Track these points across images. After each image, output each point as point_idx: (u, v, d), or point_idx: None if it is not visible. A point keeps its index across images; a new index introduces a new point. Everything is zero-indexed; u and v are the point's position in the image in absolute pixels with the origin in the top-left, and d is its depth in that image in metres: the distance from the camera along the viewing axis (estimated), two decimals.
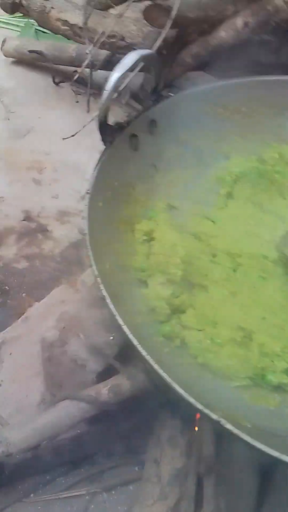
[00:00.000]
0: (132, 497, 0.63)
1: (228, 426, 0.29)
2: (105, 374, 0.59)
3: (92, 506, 0.63)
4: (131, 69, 0.51)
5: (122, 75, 0.48)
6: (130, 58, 0.50)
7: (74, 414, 0.54)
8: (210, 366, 0.45)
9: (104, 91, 0.49)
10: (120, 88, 0.59)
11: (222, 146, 0.65)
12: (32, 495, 0.64)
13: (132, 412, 0.64)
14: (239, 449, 0.56)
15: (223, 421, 0.29)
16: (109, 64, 0.84)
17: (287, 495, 0.57)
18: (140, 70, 0.58)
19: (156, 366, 0.33)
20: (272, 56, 0.93)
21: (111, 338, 0.53)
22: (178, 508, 0.54)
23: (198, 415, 0.63)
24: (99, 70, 0.86)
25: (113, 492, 0.64)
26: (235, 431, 0.29)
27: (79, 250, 0.80)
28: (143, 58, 0.51)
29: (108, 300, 0.38)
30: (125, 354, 0.56)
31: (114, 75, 0.48)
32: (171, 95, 0.60)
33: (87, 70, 0.85)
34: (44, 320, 0.66)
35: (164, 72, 0.79)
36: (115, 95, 0.55)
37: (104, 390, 0.55)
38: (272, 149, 0.64)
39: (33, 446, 0.54)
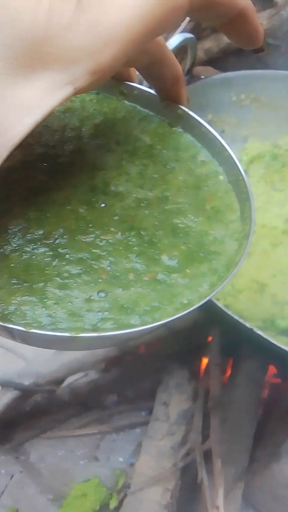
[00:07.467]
0: (139, 438, 0.70)
1: (259, 332, 0.36)
2: None
3: (102, 444, 0.70)
4: (174, 50, 0.58)
5: None
6: (175, 40, 0.57)
7: (97, 352, 0.61)
8: (229, 308, 0.52)
9: None
10: None
11: (241, 130, 0.72)
12: (48, 431, 0.70)
13: (145, 362, 0.71)
14: (241, 394, 0.64)
15: (255, 329, 0.36)
16: None
17: (277, 442, 0.65)
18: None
19: None
20: (280, 60, 1.01)
21: None
22: (187, 439, 0.61)
23: (203, 366, 0.71)
24: None
25: (122, 433, 0.71)
26: (265, 336, 0.36)
27: None
28: (185, 40, 0.58)
29: None
30: None
31: None
32: (202, 78, 0.67)
33: None
34: None
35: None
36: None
37: None
38: (286, 136, 0.72)
39: (61, 378, 0.61)
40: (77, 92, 0.17)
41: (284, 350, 0.35)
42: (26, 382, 0.58)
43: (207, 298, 0.22)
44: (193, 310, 0.22)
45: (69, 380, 0.69)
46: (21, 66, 0.16)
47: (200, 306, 0.22)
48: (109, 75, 0.18)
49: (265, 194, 0.69)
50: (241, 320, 0.37)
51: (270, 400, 0.70)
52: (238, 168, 0.26)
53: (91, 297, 0.21)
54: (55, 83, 0.17)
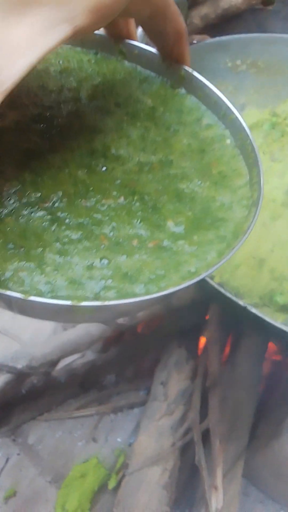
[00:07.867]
0: (138, 418, 0.69)
1: (253, 310, 0.34)
2: None
3: (100, 424, 0.69)
4: None
5: None
6: None
7: (93, 333, 0.59)
8: (226, 285, 0.50)
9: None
10: None
11: (238, 98, 0.69)
12: (45, 413, 0.69)
13: (143, 341, 0.70)
14: (241, 372, 0.62)
15: (249, 307, 0.34)
16: None
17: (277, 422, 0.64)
18: None
19: None
20: (280, 24, 0.96)
21: None
22: (185, 419, 0.60)
23: (201, 344, 0.69)
24: None
25: (120, 413, 0.70)
26: (259, 313, 0.34)
27: None
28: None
29: None
30: None
31: None
32: (194, 43, 0.63)
33: None
34: None
35: None
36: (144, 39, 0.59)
37: None
38: (285, 103, 0.68)
39: (55, 360, 0.59)
40: (76, 32, 0.16)
41: (279, 328, 0.33)
42: (19, 365, 0.56)
43: (216, 267, 0.21)
44: (197, 281, 0.20)
45: (66, 361, 0.68)
46: (14, 3, 0.15)
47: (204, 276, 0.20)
48: (111, 15, 0.17)
49: (263, 165, 0.66)
50: (234, 298, 0.35)
51: (271, 377, 0.69)
52: (246, 131, 0.25)
53: (93, 264, 0.20)
54: (51, 21, 0.15)
